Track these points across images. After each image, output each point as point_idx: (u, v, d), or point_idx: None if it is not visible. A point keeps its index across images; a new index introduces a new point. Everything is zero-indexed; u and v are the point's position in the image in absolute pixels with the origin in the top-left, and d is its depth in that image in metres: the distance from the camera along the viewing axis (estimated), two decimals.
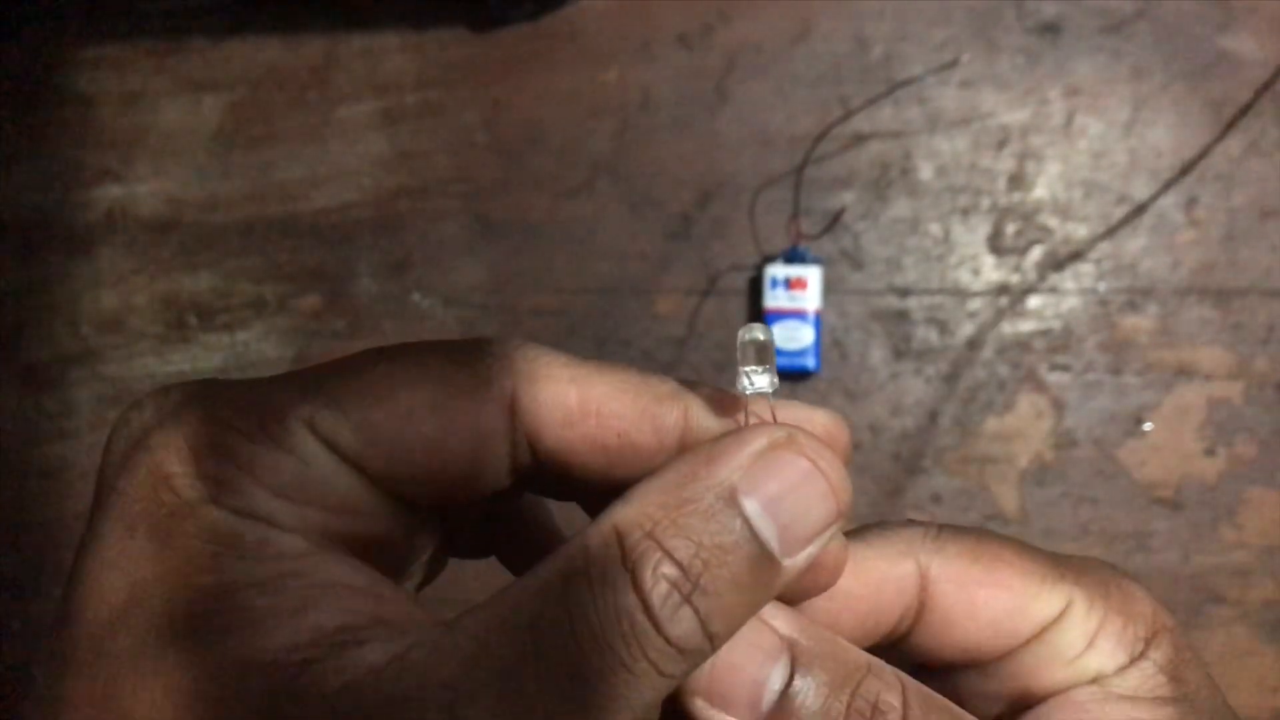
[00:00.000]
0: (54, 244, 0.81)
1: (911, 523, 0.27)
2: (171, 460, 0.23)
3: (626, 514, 0.22)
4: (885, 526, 0.27)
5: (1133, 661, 0.26)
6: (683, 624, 0.21)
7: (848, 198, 0.76)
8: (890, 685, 0.24)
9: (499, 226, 0.79)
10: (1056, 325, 0.75)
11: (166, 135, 0.81)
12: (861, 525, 0.28)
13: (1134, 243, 0.75)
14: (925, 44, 0.77)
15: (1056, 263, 0.75)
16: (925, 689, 0.25)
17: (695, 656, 0.22)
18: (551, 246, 0.78)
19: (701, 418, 0.26)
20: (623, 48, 0.79)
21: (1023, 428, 0.75)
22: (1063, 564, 0.27)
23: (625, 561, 0.21)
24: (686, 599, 0.21)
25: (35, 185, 0.82)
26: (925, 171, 0.77)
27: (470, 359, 0.25)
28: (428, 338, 0.26)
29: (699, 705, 0.24)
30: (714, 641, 0.22)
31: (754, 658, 0.24)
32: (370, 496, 0.25)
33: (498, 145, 0.79)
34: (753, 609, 0.23)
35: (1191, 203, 0.75)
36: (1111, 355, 0.75)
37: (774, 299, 0.74)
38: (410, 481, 0.25)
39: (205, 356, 0.80)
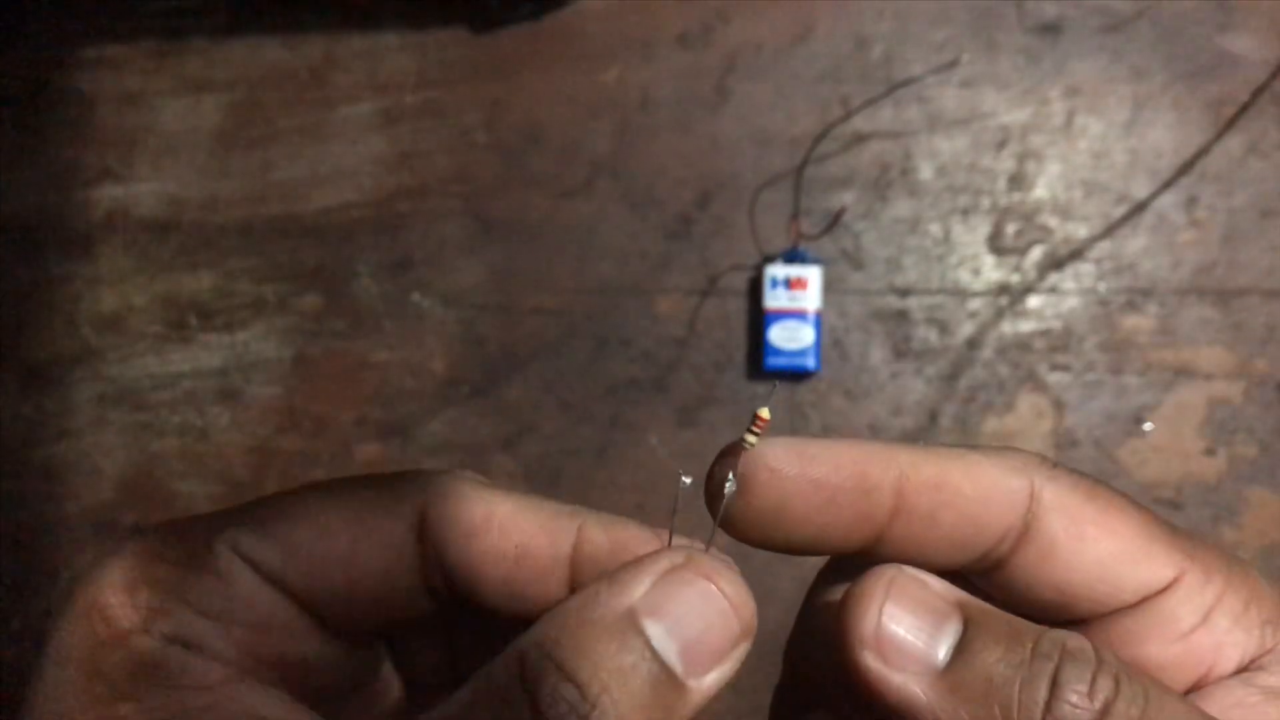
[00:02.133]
0: (54, 244, 0.81)
1: (1026, 452, 0.26)
2: (107, 593, 0.24)
3: (529, 637, 0.22)
4: (1002, 448, 0.26)
5: (1271, 649, 0.25)
6: None
7: (848, 198, 0.76)
8: (1077, 636, 0.23)
9: (499, 226, 0.79)
10: (1056, 325, 0.75)
11: (166, 135, 0.81)
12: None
13: (1134, 243, 0.75)
14: (925, 44, 0.77)
15: (1056, 263, 0.75)
16: (1116, 655, 0.23)
17: None
18: (551, 246, 0.78)
19: (594, 533, 0.26)
20: (623, 48, 0.79)
21: (1023, 428, 0.75)
22: (1179, 533, 0.26)
23: (524, 684, 0.21)
24: None
25: (35, 185, 0.82)
26: (925, 171, 0.77)
27: (387, 482, 0.27)
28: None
29: (868, 660, 0.23)
30: None
31: (926, 614, 0.23)
32: (296, 617, 0.26)
33: (498, 145, 0.79)
34: None
35: (1191, 203, 0.75)
36: (1111, 355, 0.75)
37: (774, 299, 0.74)
38: (331, 598, 0.26)
39: (205, 356, 0.80)
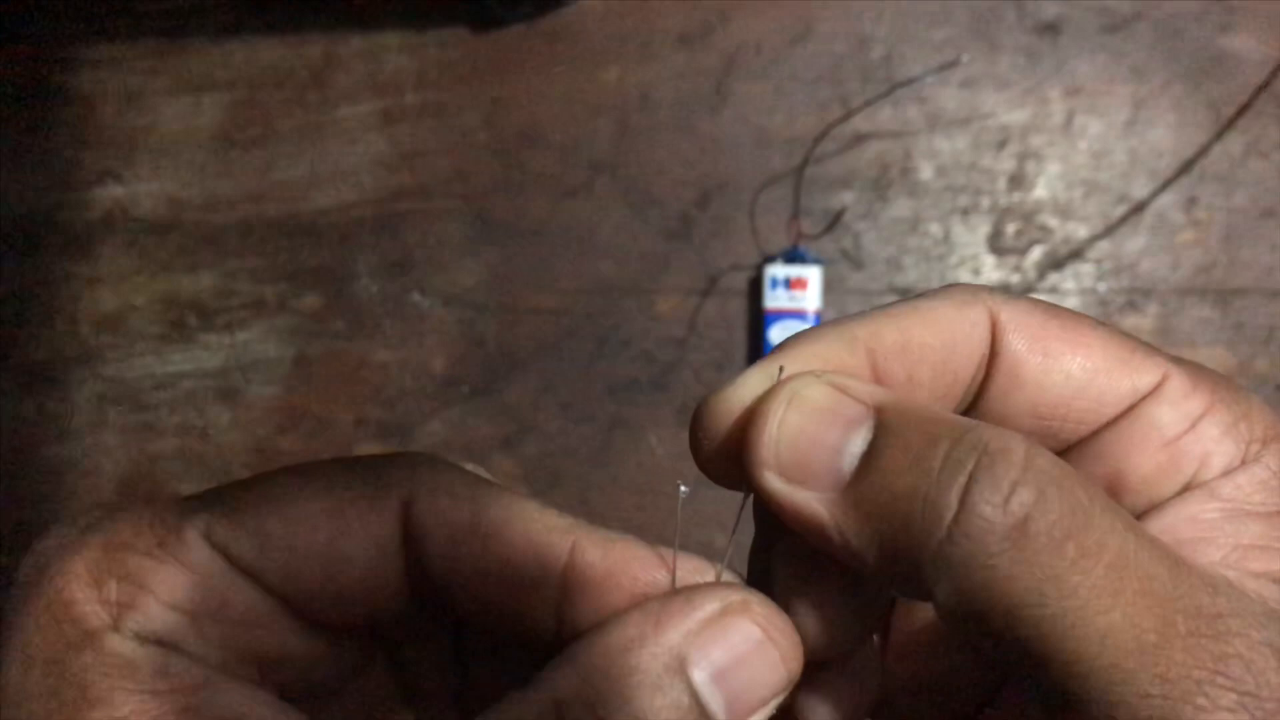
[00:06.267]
0: (54, 244, 0.81)
1: (974, 285, 0.25)
2: (73, 587, 0.23)
3: (568, 682, 0.21)
4: (948, 286, 0.25)
5: (1246, 463, 0.23)
6: None
7: (848, 198, 0.76)
8: (1008, 436, 0.20)
9: (499, 226, 0.79)
10: None
11: (166, 135, 0.81)
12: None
13: (1134, 243, 0.75)
14: (925, 44, 0.77)
15: (1056, 263, 0.75)
16: (1055, 457, 0.21)
17: None
18: (551, 246, 0.78)
19: (590, 553, 0.24)
20: (623, 48, 0.79)
21: None
22: (1161, 350, 0.24)
23: None
24: None
25: (35, 185, 0.82)
26: (925, 171, 0.77)
27: (372, 470, 0.25)
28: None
29: (772, 481, 0.21)
30: None
31: (831, 423, 0.21)
32: (273, 611, 0.24)
33: (498, 145, 0.79)
34: None
35: (1191, 203, 0.75)
36: None
37: (774, 299, 0.74)
38: (308, 592, 0.24)
39: (205, 356, 0.80)
